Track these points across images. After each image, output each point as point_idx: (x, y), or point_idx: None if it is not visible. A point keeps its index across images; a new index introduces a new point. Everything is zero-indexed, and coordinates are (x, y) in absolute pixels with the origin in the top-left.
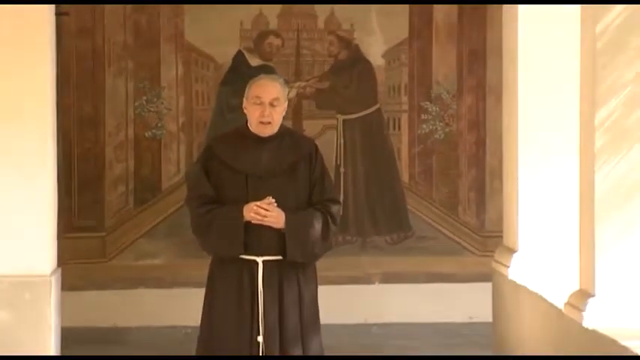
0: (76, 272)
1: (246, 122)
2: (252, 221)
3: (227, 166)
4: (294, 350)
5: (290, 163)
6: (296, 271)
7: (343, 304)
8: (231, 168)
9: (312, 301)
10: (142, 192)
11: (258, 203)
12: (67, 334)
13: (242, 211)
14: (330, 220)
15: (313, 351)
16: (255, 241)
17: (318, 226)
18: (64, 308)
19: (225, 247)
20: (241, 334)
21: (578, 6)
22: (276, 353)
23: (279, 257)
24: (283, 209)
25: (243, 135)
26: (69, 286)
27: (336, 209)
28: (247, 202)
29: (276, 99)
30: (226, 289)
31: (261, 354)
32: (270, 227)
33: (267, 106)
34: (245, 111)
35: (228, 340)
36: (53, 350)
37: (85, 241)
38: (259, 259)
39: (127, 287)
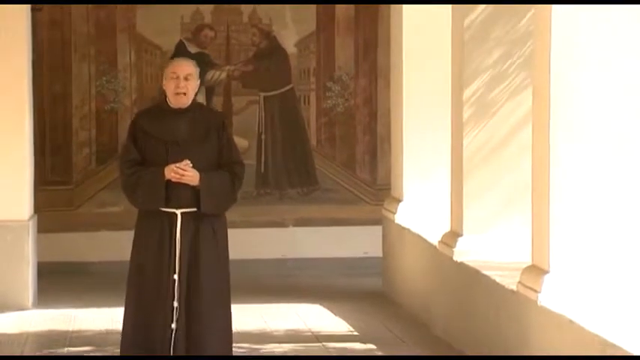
0: (49, 218)
1: (165, 98)
2: (172, 180)
3: (150, 135)
4: (209, 278)
5: (203, 131)
6: (210, 220)
7: (265, 243)
8: (154, 137)
9: (225, 240)
10: (103, 154)
11: (177, 164)
12: (42, 268)
13: (163, 172)
14: (234, 179)
15: (224, 279)
16: (174, 196)
17: (226, 183)
18: (39, 247)
19: (149, 201)
20: (161, 271)
21: (450, 5)
22: (190, 284)
23: (194, 209)
24: (197, 170)
25: (162, 109)
26: (43, 229)
27: (239, 170)
28: (168, 164)
29: (190, 74)
30: (150, 236)
31: (175, 288)
32: (187, 185)
33: (181, 79)
34: (164, 88)
35: (150, 274)
36: (31, 280)
37: (57, 192)
38: (178, 212)
39: (91, 230)
